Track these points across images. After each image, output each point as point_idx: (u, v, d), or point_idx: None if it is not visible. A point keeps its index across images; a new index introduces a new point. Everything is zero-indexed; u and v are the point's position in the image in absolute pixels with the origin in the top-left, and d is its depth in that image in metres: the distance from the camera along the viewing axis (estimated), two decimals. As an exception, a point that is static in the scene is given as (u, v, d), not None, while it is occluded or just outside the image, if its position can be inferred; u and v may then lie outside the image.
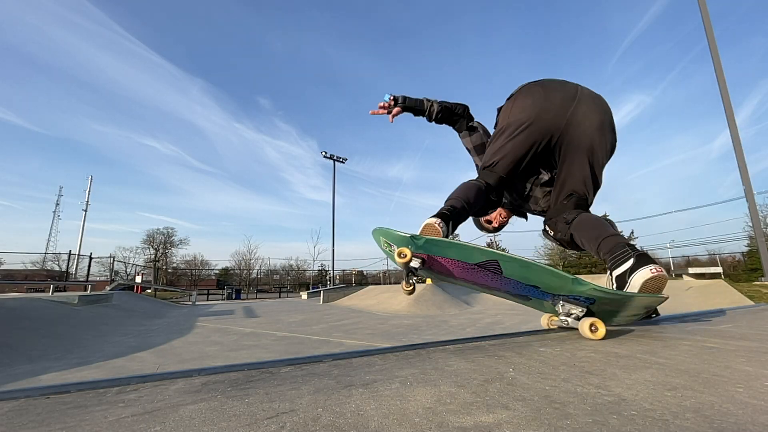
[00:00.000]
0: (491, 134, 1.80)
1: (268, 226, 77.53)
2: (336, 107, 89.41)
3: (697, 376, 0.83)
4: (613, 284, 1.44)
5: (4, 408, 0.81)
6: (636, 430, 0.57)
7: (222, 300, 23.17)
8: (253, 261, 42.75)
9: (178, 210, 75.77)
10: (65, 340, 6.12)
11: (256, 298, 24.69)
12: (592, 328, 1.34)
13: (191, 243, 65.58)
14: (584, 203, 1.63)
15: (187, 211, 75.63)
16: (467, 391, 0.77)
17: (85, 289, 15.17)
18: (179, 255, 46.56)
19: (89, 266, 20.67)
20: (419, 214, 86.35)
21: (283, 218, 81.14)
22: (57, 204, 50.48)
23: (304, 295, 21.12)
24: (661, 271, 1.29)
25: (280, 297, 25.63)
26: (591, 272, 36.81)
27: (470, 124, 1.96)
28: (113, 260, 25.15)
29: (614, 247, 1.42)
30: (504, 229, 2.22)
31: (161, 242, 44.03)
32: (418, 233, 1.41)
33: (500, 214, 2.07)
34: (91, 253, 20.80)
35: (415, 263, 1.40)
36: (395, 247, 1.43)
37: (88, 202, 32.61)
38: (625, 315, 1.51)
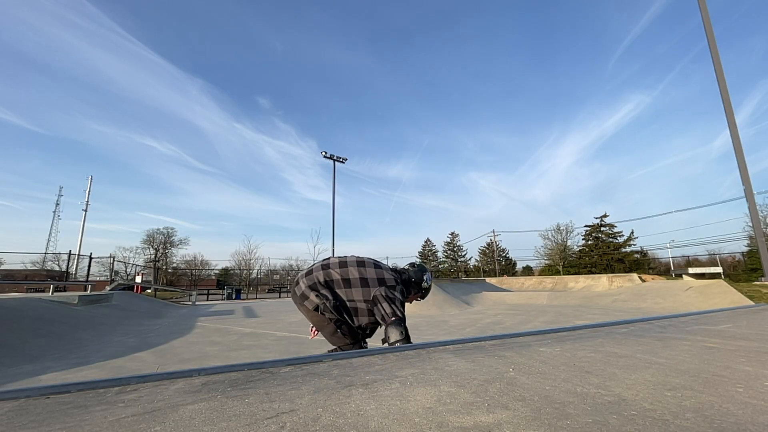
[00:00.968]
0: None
1: (268, 226, 77.48)
2: (336, 107, 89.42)
3: (697, 376, 0.83)
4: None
5: (4, 408, 0.81)
6: (636, 430, 0.57)
7: (222, 300, 23.18)
8: (253, 261, 42.79)
9: (178, 210, 75.68)
10: (65, 340, 6.12)
11: (256, 298, 24.71)
12: None
13: (191, 243, 65.60)
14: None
15: (187, 211, 75.56)
16: (467, 391, 0.77)
17: (85, 289, 15.18)
18: (179, 255, 46.58)
19: (89, 266, 20.67)
20: (419, 214, 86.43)
21: (283, 218, 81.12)
22: (57, 204, 50.51)
23: (304, 295, 21.10)
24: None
25: (279, 297, 25.64)
26: (591, 272, 36.81)
27: None
28: (113, 260, 25.16)
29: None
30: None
31: (161, 242, 44.04)
32: None
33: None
34: (91, 253, 20.80)
35: None
36: None
37: (88, 202, 32.61)
38: None
